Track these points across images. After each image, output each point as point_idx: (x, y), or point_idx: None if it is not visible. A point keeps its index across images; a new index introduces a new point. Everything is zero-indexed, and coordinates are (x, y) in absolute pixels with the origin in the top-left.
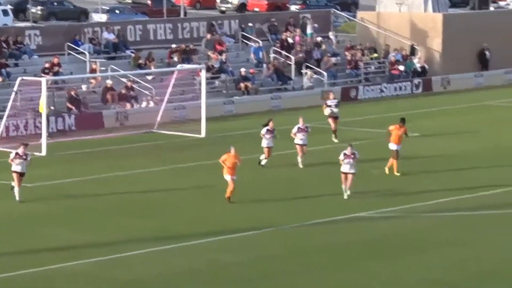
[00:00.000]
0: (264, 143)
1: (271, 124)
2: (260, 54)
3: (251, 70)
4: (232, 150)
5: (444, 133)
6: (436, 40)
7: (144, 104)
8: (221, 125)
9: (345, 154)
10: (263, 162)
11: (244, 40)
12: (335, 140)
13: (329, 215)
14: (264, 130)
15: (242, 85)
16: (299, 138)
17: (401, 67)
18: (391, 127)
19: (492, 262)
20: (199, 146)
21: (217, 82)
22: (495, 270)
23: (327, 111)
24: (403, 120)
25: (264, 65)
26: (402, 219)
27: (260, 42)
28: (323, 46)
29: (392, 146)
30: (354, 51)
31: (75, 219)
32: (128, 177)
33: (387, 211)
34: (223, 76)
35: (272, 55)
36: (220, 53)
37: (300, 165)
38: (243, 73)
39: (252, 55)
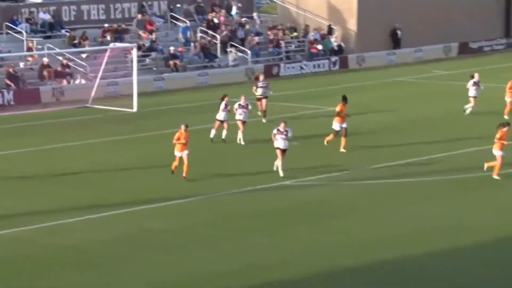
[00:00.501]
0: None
1: (226, 99)
2: (188, 33)
3: (179, 49)
4: (183, 127)
5: (360, 107)
6: (352, 20)
7: (78, 80)
8: (151, 100)
9: (278, 130)
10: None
11: (172, 21)
12: (263, 121)
13: (256, 184)
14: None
15: (171, 62)
16: (239, 114)
17: (320, 46)
18: (338, 108)
19: (406, 227)
20: (132, 120)
21: (147, 60)
22: (408, 234)
23: (258, 92)
24: (345, 98)
25: (192, 44)
26: (324, 187)
27: (188, 22)
28: (247, 26)
29: (336, 125)
30: (276, 30)
31: (15, 189)
32: (65, 148)
33: (310, 180)
34: (153, 54)
35: (199, 35)
36: (151, 32)
37: (242, 142)
38: (172, 52)
39: (180, 35)
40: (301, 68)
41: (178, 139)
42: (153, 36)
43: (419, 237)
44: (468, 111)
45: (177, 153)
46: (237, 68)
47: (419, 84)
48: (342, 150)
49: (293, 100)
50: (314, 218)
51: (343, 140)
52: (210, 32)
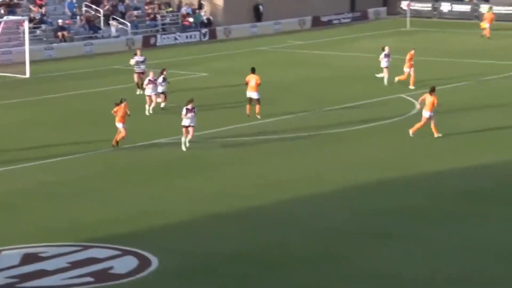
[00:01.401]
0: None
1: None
2: (74, 8)
3: (66, 21)
4: (123, 104)
5: (227, 72)
6: None
7: None
8: (42, 67)
9: (187, 109)
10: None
11: None
12: (139, 92)
13: (136, 141)
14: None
15: (59, 34)
16: (149, 89)
17: (191, 19)
18: (247, 77)
19: (274, 178)
20: (24, 85)
21: (38, 31)
22: (274, 184)
23: (136, 66)
24: (253, 69)
25: (78, 17)
26: (195, 143)
27: None
28: (127, 1)
29: (252, 94)
30: (153, 5)
31: None
32: None
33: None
34: (43, 26)
35: (84, 9)
36: (40, 6)
37: (149, 112)
38: (60, 24)
39: (67, 9)
40: (175, 38)
41: (116, 112)
42: (43, 10)
43: (284, 186)
44: (385, 81)
45: (118, 124)
46: (119, 39)
47: (278, 52)
48: (257, 116)
49: (168, 66)
50: (188, 171)
51: (257, 107)
52: (94, 6)
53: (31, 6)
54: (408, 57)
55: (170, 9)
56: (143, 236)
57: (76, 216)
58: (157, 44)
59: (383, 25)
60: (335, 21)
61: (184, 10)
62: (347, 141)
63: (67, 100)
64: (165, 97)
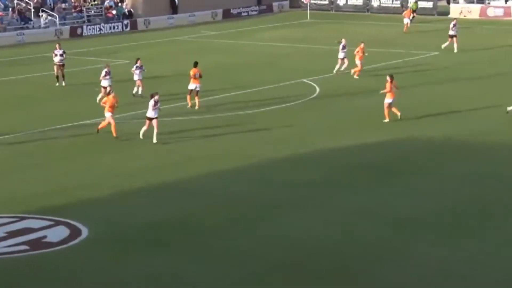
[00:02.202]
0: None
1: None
2: (6, 0)
3: (0, 13)
4: (111, 95)
5: (148, 59)
6: None
7: None
8: None
9: (154, 102)
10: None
11: None
12: (58, 84)
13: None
14: (134, 67)
15: None
16: (106, 80)
17: (114, 11)
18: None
19: (194, 154)
20: None
21: None
22: (196, 159)
23: (56, 59)
24: (195, 64)
25: (10, 9)
26: (124, 123)
27: None
28: None
29: (192, 86)
30: None
31: None
32: None
33: (127, 116)
34: None
35: (15, 1)
36: None
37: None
38: None
39: (0, 2)
40: (100, 29)
41: (104, 102)
42: None
43: (200, 161)
44: (336, 68)
45: (106, 114)
46: (48, 29)
47: (192, 41)
48: (197, 107)
49: (93, 55)
50: (115, 148)
51: (197, 99)
52: None
53: None
54: (357, 49)
55: (96, 2)
56: (73, 207)
57: (12, 190)
58: (83, 34)
59: (286, 17)
60: (243, 14)
61: (107, 3)
62: (261, 121)
63: (1, 86)
64: (142, 84)
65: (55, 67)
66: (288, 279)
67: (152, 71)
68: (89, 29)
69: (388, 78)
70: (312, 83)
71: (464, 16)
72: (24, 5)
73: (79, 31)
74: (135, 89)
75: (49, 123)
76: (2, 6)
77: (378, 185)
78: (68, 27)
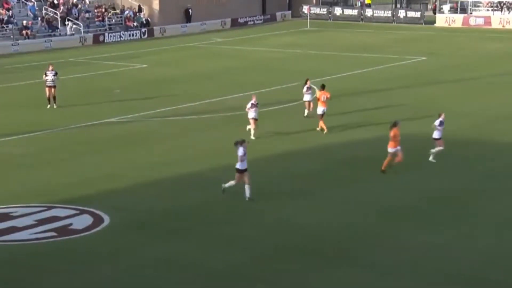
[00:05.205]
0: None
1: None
2: (35, 10)
3: (29, 22)
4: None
5: (163, 63)
6: (155, 2)
7: None
8: (10, 60)
9: (252, 104)
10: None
11: (23, 1)
12: (54, 106)
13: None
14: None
15: (24, 32)
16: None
17: (133, 21)
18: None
19: (199, 149)
20: None
21: (7, 30)
22: (207, 153)
23: (48, 79)
24: (323, 86)
25: (39, 18)
26: (136, 122)
27: (35, 2)
28: (79, 6)
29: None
30: (101, 9)
31: None
32: None
33: (127, 117)
34: (10, 26)
35: (44, 11)
36: (8, 9)
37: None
38: (24, 24)
39: (29, 11)
40: (120, 36)
41: None
42: (10, 12)
43: (206, 156)
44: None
45: None
46: (73, 37)
47: (203, 47)
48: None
49: (114, 59)
50: (134, 143)
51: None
52: (51, 9)
53: (0, 9)
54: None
55: (116, 11)
56: (96, 197)
57: (40, 182)
58: (105, 41)
59: (288, 25)
60: (250, 22)
61: (127, 13)
62: (269, 119)
63: (30, 87)
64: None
65: (46, 89)
66: (294, 260)
67: (167, 73)
68: (111, 36)
69: (320, 87)
70: (313, 85)
71: (449, 24)
72: (51, 14)
73: (101, 38)
74: (306, 112)
75: (73, 121)
76: (32, 15)
77: (366, 179)
78: (91, 34)
